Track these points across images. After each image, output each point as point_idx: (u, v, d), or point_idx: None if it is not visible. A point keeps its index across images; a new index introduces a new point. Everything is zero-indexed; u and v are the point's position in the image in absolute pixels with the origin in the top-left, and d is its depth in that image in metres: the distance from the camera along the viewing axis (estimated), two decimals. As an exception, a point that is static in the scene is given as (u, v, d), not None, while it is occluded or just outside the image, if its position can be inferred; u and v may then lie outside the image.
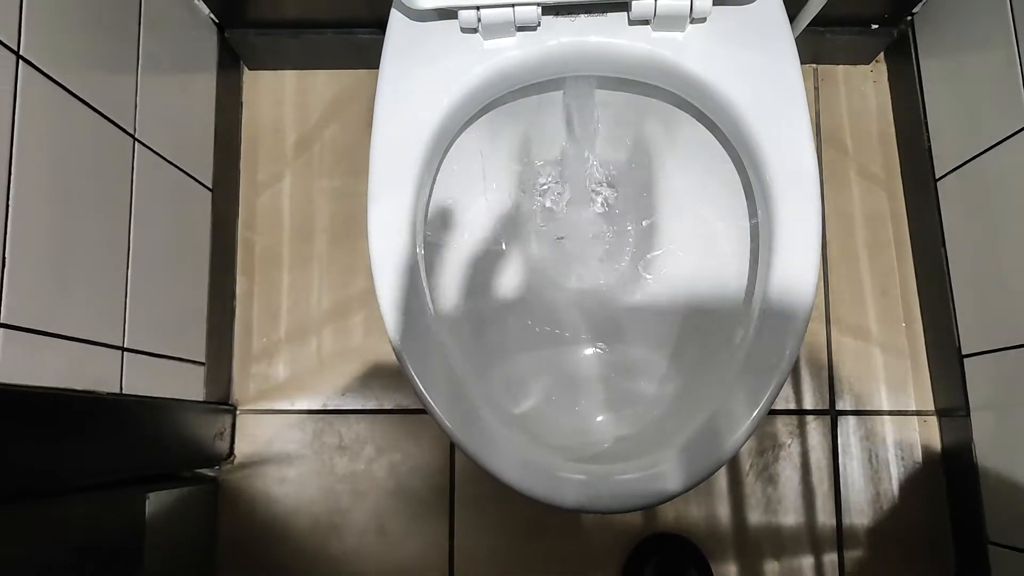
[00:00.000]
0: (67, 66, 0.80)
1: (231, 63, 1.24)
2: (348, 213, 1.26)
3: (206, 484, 1.16)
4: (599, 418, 0.90)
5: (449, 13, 0.81)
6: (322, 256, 1.25)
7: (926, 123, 1.17)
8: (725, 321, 0.88)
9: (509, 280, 0.96)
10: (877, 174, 1.26)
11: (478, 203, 0.97)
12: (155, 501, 1.01)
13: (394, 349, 0.76)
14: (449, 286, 0.93)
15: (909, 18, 1.19)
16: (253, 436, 1.21)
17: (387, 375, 1.22)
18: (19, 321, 0.72)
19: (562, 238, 1.01)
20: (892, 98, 1.28)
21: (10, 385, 0.71)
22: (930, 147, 1.16)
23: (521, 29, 0.81)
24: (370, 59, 1.23)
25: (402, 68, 0.82)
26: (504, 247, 0.97)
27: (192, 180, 1.09)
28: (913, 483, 1.19)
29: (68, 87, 0.80)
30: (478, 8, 0.77)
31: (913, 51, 1.19)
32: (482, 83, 0.82)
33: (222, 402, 1.18)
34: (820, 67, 1.29)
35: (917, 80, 1.18)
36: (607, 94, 0.94)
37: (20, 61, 0.72)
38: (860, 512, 1.18)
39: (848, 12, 1.16)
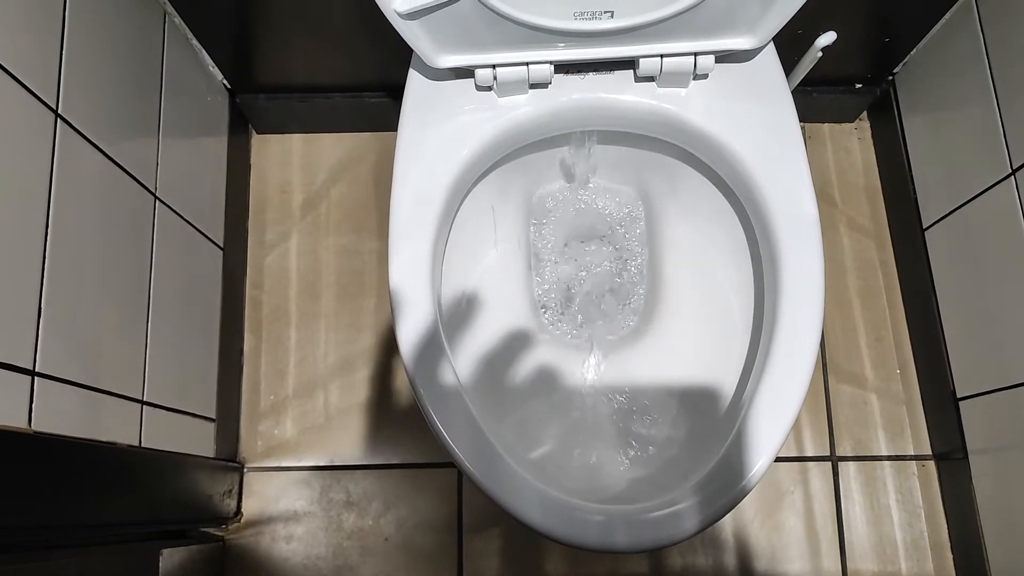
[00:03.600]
0: (99, 127, 0.83)
1: (241, 127, 1.28)
2: (354, 270, 1.29)
3: (215, 542, 1.15)
4: (612, 461, 0.92)
5: (465, 72, 0.85)
6: (328, 313, 1.27)
7: (911, 176, 1.22)
8: (734, 364, 0.90)
9: (519, 329, 0.99)
10: (865, 226, 1.31)
11: (489, 255, 1.00)
12: (168, 558, 1.01)
13: (416, 395, 0.78)
14: (463, 335, 0.96)
15: (890, 77, 1.26)
16: (261, 493, 1.21)
17: (394, 429, 1.23)
18: (52, 371, 0.74)
19: (571, 288, 1.04)
20: (877, 153, 1.34)
21: (42, 433, 0.72)
22: (916, 199, 1.21)
23: (534, 87, 0.85)
24: (376, 122, 1.29)
25: (421, 124, 0.85)
26: (514, 296, 1.00)
27: (206, 239, 1.12)
28: (915, 527, 1.20)
29: (100, 146, 0.83)
30: (494, 67, 0.82)
31: (895, 108, 1.25)
32: (497, 138, 0.86)
33: (230, 459, 1.18)
34: (807, 125, 1.35)
35: (900, 136, 1.24)
36: (613, 149, 0.98)
37: (59, 120, 0.75)
38: (864, 557, 1.20)
39: (832, 73, 1.23)
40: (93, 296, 0.82)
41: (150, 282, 0.95)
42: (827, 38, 0.85)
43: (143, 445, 0.92)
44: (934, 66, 1.15)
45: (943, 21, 1.11)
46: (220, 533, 1.18)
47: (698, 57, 0.82)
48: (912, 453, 1.23)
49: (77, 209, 0.78)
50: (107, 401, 0.84)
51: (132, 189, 0.91)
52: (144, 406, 0.93)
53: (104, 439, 0.83)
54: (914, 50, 1.18)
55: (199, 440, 1.09)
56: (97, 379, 0.82)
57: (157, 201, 0.96)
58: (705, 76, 0.85)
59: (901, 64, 1.22)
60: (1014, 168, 0.98)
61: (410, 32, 0.77)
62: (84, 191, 0.80)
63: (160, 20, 1.00)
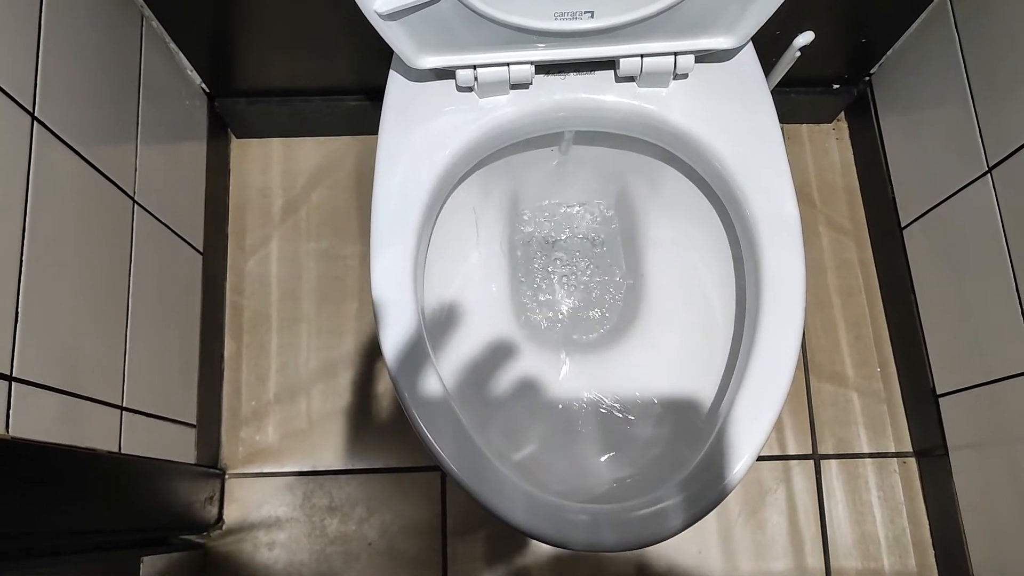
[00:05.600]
0: (76, 130, 0.82)
1: (220, 131, 1.27)
2: (335, 274, 1.28)
3: (195, 550, 1.14)
4: (597, 460, 0.92)
5: (446, 73, 0.85)
6: (310, 318, 1.27)
7: (889, 175, 1.23)
8: (717, 362, 0.91)
9: (502, 331, 0.99)
10: (844, 225, 1.33)
11: (472, 256, 1.00)
12: (148, 566, 1.00)
13: (400, 398, 0.77)
14: (446, 338, 0.95)
15: (867, 78, 1.27)
16: (242, 500, 1.20)
17: (377, 434, 1.22)
18: (29, 376, 0.73)
19: (554, 289, 1.04)
20: (855, 153, 1.35)
21: (19, 439, 0.71)
22: (894, 198, 1.22)
23: (515, 87, 0.85)
24: (356, 125, 1.28)
25: (401, 126, 0.85)
26: (497, 298, 1.00)
27: (185, 243, 1.11)
28: (897, 523, 1.21)
29: (77, 149, 0.82)
30: (475, 68, 0.82)
31: (872, 108, 1.26)
32: (478, 139, 0.86)
33: (211, 465, 1.17)
34: (785, 126, 1.36)
35: (878, 135, 1.25)
36: (594, 149, 0.98)
37: (35, 122, 0.74)
38: (847, 554, 1.20)
39: (810, 74, 1.24)
40: (71, 301, 0.81)
41: (129, 287, 0.94)
42: (805, 38, 0.86)
43: (123, 451, 0.91)
44: (910, 66, 1.16)
45: (919, 22, 1.12)
46: (201, 540, 1.16)
47: (678, 57, 0.83)
48: (893, 450, 1.24)
49: (54, 212, 0.78)
50: (86, 407, 0.83)
51: (110, 193, 0.90)
52: (124, 412, 0.92)
53: (83, 445, 0.82)
54: (890, 51, 1.19)
55: (180, 446, 1.08)
56: (76, 385, 0.81)
57: (136, 205, 0.96)
58: (685, 76, 0.86)
59: (878, 64, 1.23)
60: (990, 166, 0.99)
61: (391, 33, 0.77)
62: (61, 194, 0.79)
63: (138, 23, 0.99)
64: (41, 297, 0.75)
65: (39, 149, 0.75)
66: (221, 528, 1.18)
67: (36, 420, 0.74)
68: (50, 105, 0.77)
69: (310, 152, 1.34)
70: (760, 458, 1.23)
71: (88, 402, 0.84)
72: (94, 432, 0.85)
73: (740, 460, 0.75)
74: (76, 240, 0.82)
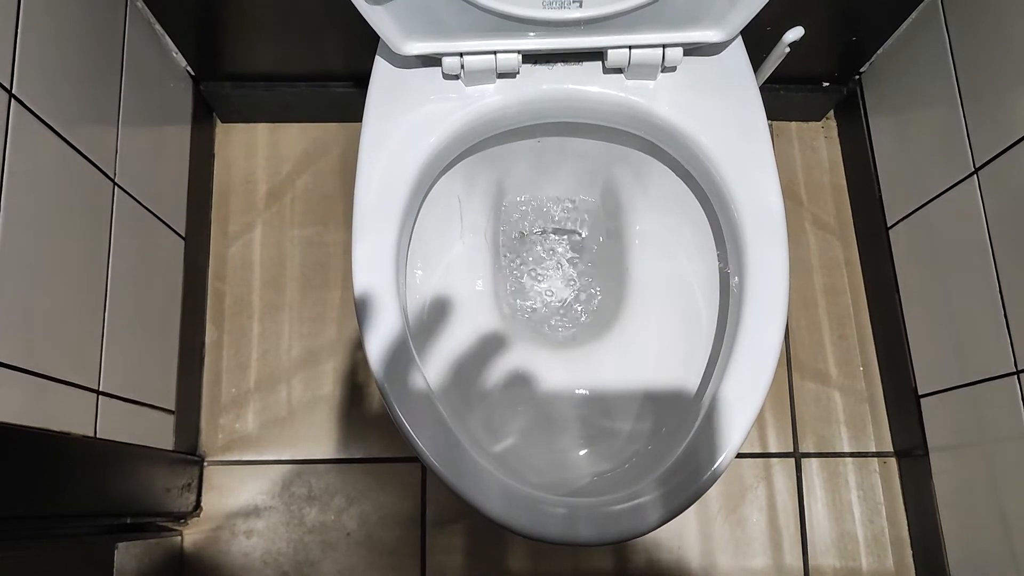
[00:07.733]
0: (55, 109, 0.81)
1: (205, 115, 1.26)
2: (319, 262, 1.27)
3: (172, 537, 1.13)
4: (577, 454, 0.91)
5: (432, 60, 0.84)
6: (292, 305, 1.26)
7: (876, 175, 1.23)
8: (699, 357, 0.90)
9: (485, 323, 0.98)
10: (831, 223, 1.32)
11: (455, 246, 0.99)
12: (123, 552, 0.99)
13: (380, 388, 0.77)
14: (427, 328, 0.95)
15: (857, 77, 1.27)
16: (221, 488, 1.19)
17: (357, 424, 1.22)
18: (1, 357, 0.72)
19: (538, 281, 1.03)
20: (843, 152, 1.35)
21: (-9, 421, 0.70)
22: (881, 197, 1.22)
23: (502, 76, 0.85)
24: (342, 113, 1.27)
25: (386, 112, 0.84)
26: (480, 289, 0.99)
27: (167, 228, 1.10)
28: (876, 523, 1.21)
29: (56, 128, 0.81)
30: (461, 55, 0.81)
31: (862, 107, 1.26)
32: (463, 127, 0.85)
33: (190, 452, 1.16)
34: (774, 123, 1.36)
35: (866, 134, 1.25)
36: (581, 142, 0.98)
37: (12, 100, 0.73)
38: (826, 553, 1.20)
39: (800, 71, 1.23)
40: (47, 282, 0.80)
41: (108, 270, 0.93)
42: (795, 33, 0.86)
43: (99, 436, 0.90)
44: (900, 65, 1.16)
45: (909, 21, 1.12)
46: (178, 527, 1.16)
47: (666, 49, 0.82)
48: (874, 450, 1.24)
49: (31, 192, 0.76)
50: (60, 390, 0.82)
51: (89, 174, 0.89)
52: (100, 396, 0.91)
53: (56, 428, 0.81)
54: (880, 49, 1.19)
55: (158, 432, 1.07)
56: (49, 367, 0.80)
57: (116, 187, 0.94)
58: (673, 69, 0.85)
59: (867, 63, 1.23)
60: (976, 167, 0.99)
61: (376, 18, 0.76)
62: (39, 174, 0.78)
63: (122, 3, 0.98)
64: (15, 278, 0.74)
65: (16, 127, 0.74)
66: (199, 515, 1.17)
67: (7, 402, 0.73)
68: (28, 83, 0.76)
69: (296, 138, 1.33)
70: (741, 455, 1.23)
71: (63, 385, 0.83)
72: (68, 415, 0.84)
73: (719, 456, 0.75)
74: (53, 221, 0.81)
